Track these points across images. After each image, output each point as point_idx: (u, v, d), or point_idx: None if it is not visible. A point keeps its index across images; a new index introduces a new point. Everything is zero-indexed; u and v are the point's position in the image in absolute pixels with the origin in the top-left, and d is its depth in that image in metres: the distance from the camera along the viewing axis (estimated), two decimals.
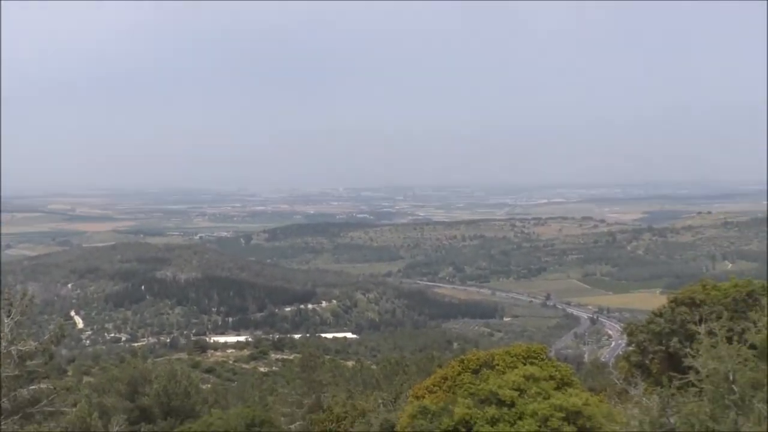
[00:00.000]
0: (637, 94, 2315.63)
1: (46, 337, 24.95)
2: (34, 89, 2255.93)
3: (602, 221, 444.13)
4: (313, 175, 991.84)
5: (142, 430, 38.76)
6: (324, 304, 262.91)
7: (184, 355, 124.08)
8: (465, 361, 28.85)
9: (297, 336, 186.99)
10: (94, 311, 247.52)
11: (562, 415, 21.50)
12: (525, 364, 25.82)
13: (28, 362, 23.69)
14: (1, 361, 22.69)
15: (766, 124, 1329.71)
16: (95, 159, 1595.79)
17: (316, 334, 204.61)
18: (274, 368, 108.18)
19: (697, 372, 15.29)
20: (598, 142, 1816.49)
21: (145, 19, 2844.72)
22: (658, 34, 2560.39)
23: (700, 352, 15.59)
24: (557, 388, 23.70)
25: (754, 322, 16.47)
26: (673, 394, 16.01)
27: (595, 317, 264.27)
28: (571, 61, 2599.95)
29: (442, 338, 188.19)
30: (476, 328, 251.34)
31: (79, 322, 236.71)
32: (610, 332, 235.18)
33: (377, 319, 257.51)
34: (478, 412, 22.41)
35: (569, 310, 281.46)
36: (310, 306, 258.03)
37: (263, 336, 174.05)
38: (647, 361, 30.68)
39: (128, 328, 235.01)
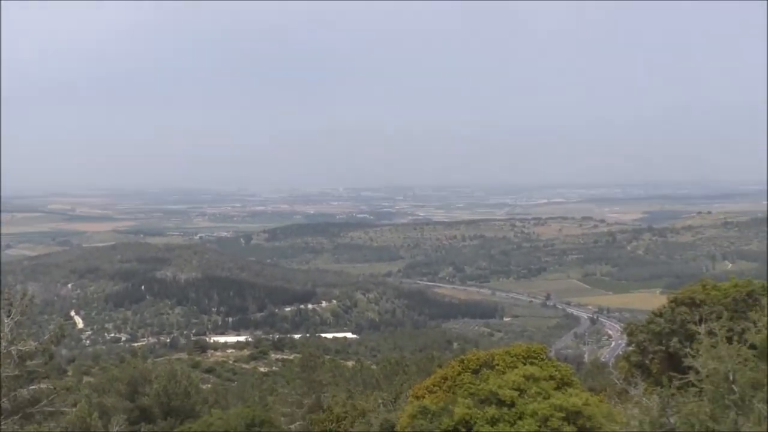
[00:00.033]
0: (637, 94, 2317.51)
1: (46, 337, 24.95)
2: (34, 89, 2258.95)
3: (602, 221, 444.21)
4: (313, 175, 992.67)
5: (142, 430, 38.75)
6: (324, 304, 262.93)
7: (184, 355, 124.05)
8: (465, 361, 28.85)
9: (297, 336, 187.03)
10: (94, 311, 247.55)
11: (562, 415, 21.50)
12: (525, 364, 25.82)
13: (28, 362, 23.69)
14: (1, 361, 22.69)
15: (766, 124, 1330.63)
16: (95, 159, 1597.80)
17: (316, 334, 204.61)
18: (274, 368, 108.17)
19: (697, 372, 15.29)
20: (598, 142, 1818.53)
21: (145, 19, 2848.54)
22: (658, 34, 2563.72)
23: (700, 352, 15.59)
24: (557, 388, 23.70)
25: (754, 322, 16.47)
26: (673, 394, 16.01)
27: (595, 317, 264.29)
28: (571, 61, 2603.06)
29: (442, 338, 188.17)
30: (476, 328, 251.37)
31: (79, 322, 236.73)
32: (610, 332, 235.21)
33: (377, 319, 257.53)
34: (478, 412, 22.41)
35: (569, 310, 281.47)
36: (310, 306, 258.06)
37: (263, 336, 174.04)
38: (647, 361, 30.68)
39: (128, 328, 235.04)
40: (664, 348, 29.77)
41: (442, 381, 28.47)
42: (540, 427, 21.39)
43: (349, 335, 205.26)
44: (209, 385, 76.05)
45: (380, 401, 37.88)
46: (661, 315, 31.13)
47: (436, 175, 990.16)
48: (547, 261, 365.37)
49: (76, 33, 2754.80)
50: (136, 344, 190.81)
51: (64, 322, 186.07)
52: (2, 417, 22.91)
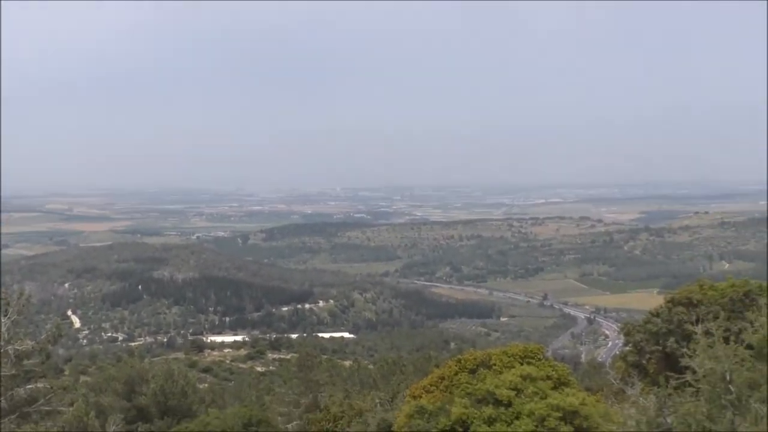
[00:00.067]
0: (637, 94, 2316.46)
1: (43, 337, 24.97)
2: (34, 89, 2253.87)
3: (599, 221, 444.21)
4: (313, 175, 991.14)
5: (139, 429, 38.72)
6: (321, 303, 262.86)
7: (181, 355, 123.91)
8: (462, 361, 28.88)
9: (294, 336, 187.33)
10: (91, 311, 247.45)
11: (559, 414, 21.50)
12: (522, 364, 25.84)
13: (25, 361, 23.70)
14: None
15: (766, 124, 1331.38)
16: (95, 159, 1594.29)
17: (313, 334, 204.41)
18: (271, 368, 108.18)
19: (694, 372, 15.31)
20: (598, 142, 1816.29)
21: (145, 19, 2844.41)
22: (658, 34, 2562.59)
23: (697, 352, 15.61)
24: (554, 388, 23.70)
25: (751, 322, 16.50)
26: (670, 394, 16.03)
27: (592, 317, 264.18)
28: (571, 61, 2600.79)
29: (439, 338, 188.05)
30: (473, 327, 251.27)
31: (76, 322, 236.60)
32: (607, 332, 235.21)
33: (374, 319, 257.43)
34: (475, 411, 22.41)
35: (566, 310, 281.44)
36: (307, 306, 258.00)
37: (260, 336, 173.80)
38: (644, 361, 30.72)
39: (125, 328, 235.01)
40: (661, 348, 29.81)
41: (439, 381, 28.49)
42: (537, 426, 21.39)
43: (346, 335, 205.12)
44: (206, 385, 76.12)
45: (377, 401, 37.90)
46: (658, 315, 31.18)
47: (436, 175, 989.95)
48: (544, 261, 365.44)
49: (76, 33, 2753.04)
50: (133, 344, 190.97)
51: (61, 321, 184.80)
52: (0, 416, 22.91)
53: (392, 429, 26.81)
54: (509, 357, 27.42)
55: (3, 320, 23.11)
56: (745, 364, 14.64)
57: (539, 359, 27.03)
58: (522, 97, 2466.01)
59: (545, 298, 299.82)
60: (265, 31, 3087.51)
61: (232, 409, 42.50)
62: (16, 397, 23.31)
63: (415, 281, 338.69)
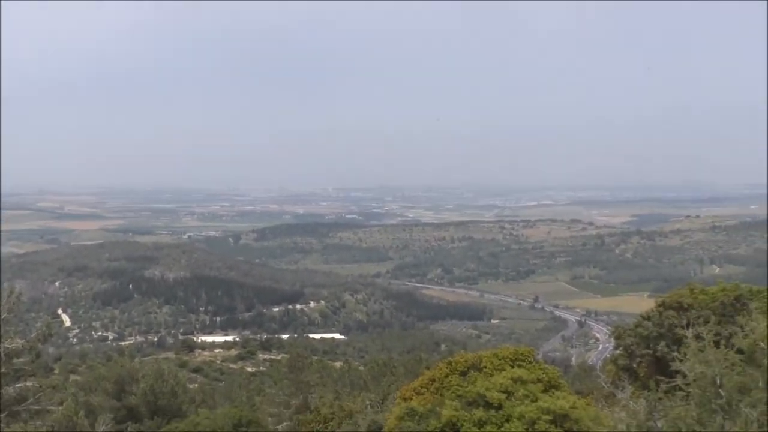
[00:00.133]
0: (637, 94, 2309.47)
1: (33, 335, 24.89)
2: (34, 89, 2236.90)
3: (591, 224, 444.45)
4: (312, 175, 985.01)
5: (129, 429, 38.64)
6: (312, 304, 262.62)
7: (171, 355, 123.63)
8: (453, 363, 28.87)
9: (285, 336, 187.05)
10: (81, 309, 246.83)
11: (550, 417, 21.52)
12: (513, 367, 25.85)
13: (15, 360, 23.61)
14: None
15: (766, 124, 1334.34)
16: (95, 159, 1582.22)
17: (304, 335, 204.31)
18: (261, 368, 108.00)
19: (685, 376, 15.34)
20: (598, 142, 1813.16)
21: (145, 19, 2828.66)
22: (658, 34, 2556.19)
23: (687, 356, 15.64)
24: (545, 391, 23.71)
25: (742, 327, 16.51)
26: (660, 398, 16.04)
27: (583, 320, 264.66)
28: (571, 61, 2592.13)
29: (430, 340, 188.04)
30: (464, 330, 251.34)
31: (67, 321, 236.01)
32: (597, 335, 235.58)
33: (365, 320, 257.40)
34: (466, 414, 22.42)
35: (557, 312, 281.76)
36: (298, 306, 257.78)
37: (251, 336, 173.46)
38: (635, 365, 30.79)
39: (116, 327, 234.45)
40: (651, 352, 29.88)
41: (430, 383, 28.48)
42: (527, 429, 21.41)
43: (337, 336, 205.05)
44: (196, 385, 75.97)
45: (368, 402, 37.89)
46: (648, 319, 31.24)
47: (436, 175, 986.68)
48: (535, 263, 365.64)
49: (76, 33, 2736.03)
50: (123, 343, 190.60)
51: (51, 320, 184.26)
52: None
53: (382, 430, 26.80)
54: (500, 359, 27.42)
55: None
56: (736, 369, 14.66)
57: (530, 362, 27.04)
58: (522, 97, 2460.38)
59: (536, 300, 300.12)
60: (265, 31, 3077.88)
61: (222, 409, 42.46)
62: (5, 396, 23.21)
63: (407, 283, 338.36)
